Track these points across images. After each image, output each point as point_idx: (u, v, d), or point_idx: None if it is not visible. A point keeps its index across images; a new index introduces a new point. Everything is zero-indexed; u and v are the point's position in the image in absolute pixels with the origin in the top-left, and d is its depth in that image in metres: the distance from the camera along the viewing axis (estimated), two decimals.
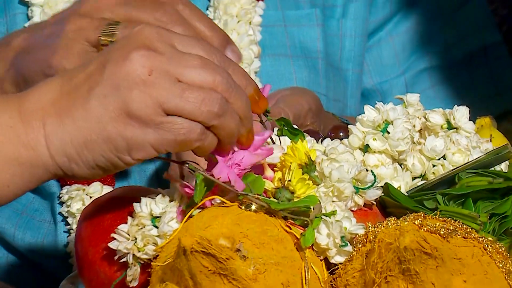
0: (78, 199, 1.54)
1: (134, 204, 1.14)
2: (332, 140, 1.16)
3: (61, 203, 1.57)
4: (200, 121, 1.12)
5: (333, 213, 1.09)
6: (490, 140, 1.21)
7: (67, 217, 1.58)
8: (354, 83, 1.70)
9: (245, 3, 1.58)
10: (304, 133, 1.18)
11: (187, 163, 1.18)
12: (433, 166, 1.16)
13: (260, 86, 1.58)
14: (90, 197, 1.55)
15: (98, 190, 1.55)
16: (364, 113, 1.17)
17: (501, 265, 1.06)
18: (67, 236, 1.59)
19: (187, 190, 1.13)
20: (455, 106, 1.20)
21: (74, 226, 1.57)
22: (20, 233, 1.60)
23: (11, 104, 1.16)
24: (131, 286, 1.14)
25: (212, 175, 1.11)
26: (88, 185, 1.56)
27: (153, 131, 1.10)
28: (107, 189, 1.57)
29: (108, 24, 1.34)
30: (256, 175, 1.13)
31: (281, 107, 1.33)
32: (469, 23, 1.77)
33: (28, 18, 1.58)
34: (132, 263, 1.13)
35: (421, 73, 1.72)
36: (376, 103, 1.20)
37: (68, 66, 1.36)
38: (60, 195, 1.55)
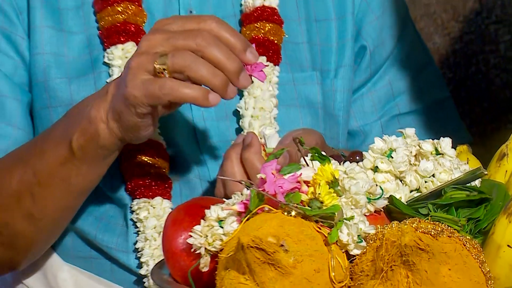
0: (144, 209, 1.64)
1: (206, 210, 1.24)
2: (350, 162, 1.26)
3: (132, 212, 1.66)
4: None
5: (352, 217, 1.18)
6: (467, 163, 1.30)
7: (136, 222, 1.66)
8: (344, 125, 1.80)
9: (267, 70, 1.68)
10: (330, 158, 1.27)
11: (243, 181, 1.27)
12: (425, 182, 1.25)
13: (276, 130, 1.66)
14: (153, 207, 1.66)
15: (159, 202, 1.65)
16: (374, 143, 1.27)
17: (476, 257, 1.15)
18: (136, 237, 1.66)
19: (240, 205, 1.24)
20: (441, 137, 1.29)
21: (142, 229, 1.66)
22: (100, 234, 1.68)
23: None
24: (203, 271, 1.23)
25: (264, 190, 1.21)
26: (152, 198, 1.66)
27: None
28: (166, 202, 1.67)
29: (160, 56, 1.45)
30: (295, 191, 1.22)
31: (298, 137, 1.35)
32: (427, 82, 1.86)
33: (110, 76, 1.68)
34: (204, 254, 1.22)
35: (392, 118, 1.83)
36: (380, 137, 1.29)
37: (137, 94, 1.46)
38: (131, 206, 1.65)
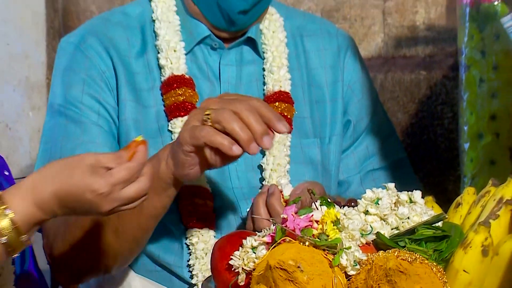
0: (195, 236, 1.64)
1: (243, 240, 1.24)
2: (348, 207, 1.26)
3: (186, 238, 1.66)
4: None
5: (349, 247, 1.18)
6: (432, 209, 1.30)
7: (189, 245, 1.66)
8: (335, 177, 1.79)
9: (283, 138, 1.70)
10: (334, 203, 1.27)
11: (272, 220, 1.30)
12: (402, 222, 1.24)
13: (288, 180, 1.64)
14: (202, 235, 1.65)
15: (206, 232, 1.65)
16: (366, 193, 1.28)
17: (440, 278, 1.14)
18: (189, 256, 1.65)
19: (268, 237, 1.24)
20: (414, 190, 1.29)
21: (193, 251, 1.66)
22: (162, 254, 1.68)
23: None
24: (240, 285, 1.22)
25: (287, 226, 1.21)
26: (201, 229, 1.65)
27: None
28: (211, 232, 1.66)
29: (207, 110, 1.45)
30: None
31: (312, 189, 1.37)
32: (391, 147, 1.85)
33: (172, 140, 1.65)
34: (241, 272, 1.22)
35: (368, 172, 1.82)
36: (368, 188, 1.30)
37: (185, 135, 1.46)
38: (186, 234, 1.65)
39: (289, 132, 1.73)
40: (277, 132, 1.47)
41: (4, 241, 1.22)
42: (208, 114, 1.44)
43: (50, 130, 1.72)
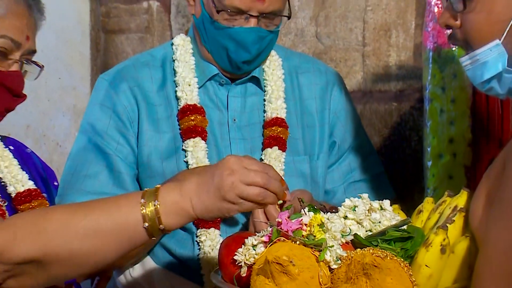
0: (204, 235, 1.61)
1: (245, 239, 1.23)
2: (330, 213, 1.25)
3: (196, 236, 1.64)
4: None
5: (332, 246, 1.17)
6: (399, 215, 1.29)
7: (198, 242, 1.63)
8: (322, 187, 1.77)
9: (278, 156, 1.69)
10: (319, 209, 1.25)
11: (269, 222, 1.30)
12: (375, 226, 1.23)
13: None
14: (209, 234, 1.63)
15: (213, 231, 1.62)
16: (345, 201, 1.26)
17: (407, 272, 1.13)
18: (198, 251, 1.63)
19: (266, 237, 1.22)
20: (384, 199, 1.28)
21: (202, 247, 1.63)
22: (177, 249, 1.66)
23: (177, 190, 1.22)
24: (242, 276, 1.20)
25: (281, 229, 1.20)
26: (208, 229, 1.63)
27: (236, 205, 1.20)
28: (217, 231, 1.63)
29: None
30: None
31: (301, 197, 1.35)
32: (370, 163, 1.83)
33: (185, 157, 1.67)
34: (243, 266, 1.21)
35: (350, 184, 1.79)
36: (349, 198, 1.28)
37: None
38: (196, 233, 1.63)
39: (284, 151, 1.72)
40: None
41: (146, 226, 1.19)
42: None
43: (77, 151, 1.72)
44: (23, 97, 1.42)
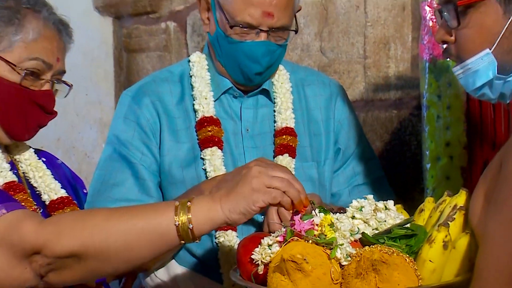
0: (222, 236, 1.61)
1: (261, 239, 1.23)
2: (339, 214, 1.24)
3: (215, 238, 1.62)
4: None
5: (342, 244, 1.17)
6: (402, 214, 1.28)
7: (217, 243, 1.62)
8: (329, 191, 1.75)
9: (288, 162, 1.67)
10: (329, 211, 1.25)
11: (283, 223, 1.28)
12: (381, 225, 1.22)
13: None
14: (227, 235, 1.61)
15: (230, 233, 1.61)
16: (352, 203, 1.26)
17: (412, 267, 1.12)
18: (218, 250, 1.62)
19: (281, 237, 1.22)
20: (388, 200, 1.27)
21: (221, 246, 1.62)
22: (198, 250, 1.65)
23: (208, 197, 1.23)
24: (260, 273, 1.20)
25: (295, 229, 1.20)
26: (226, 231, 1.61)
27: (262, 195, 1.19)
28: (234, 233, 1.62)
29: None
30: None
31: (312, 200, 1.33)
32: (372, 167, 1.81)
33: (203, 165, 1.67)
34: (260, 264, 1.21)
35: (354, 187, 1.77)
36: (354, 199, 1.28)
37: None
38: (215, 235, 1.61)
39: (294, 158, 1.71)
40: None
41: (179, 233, 1.21)
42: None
43: (104, 161, 1.71)
44: (54, 113, 1.43)
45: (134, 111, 1.70)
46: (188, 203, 1.21)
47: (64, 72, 1.43)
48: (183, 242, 1.22)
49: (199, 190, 1.53)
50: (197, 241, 1.23)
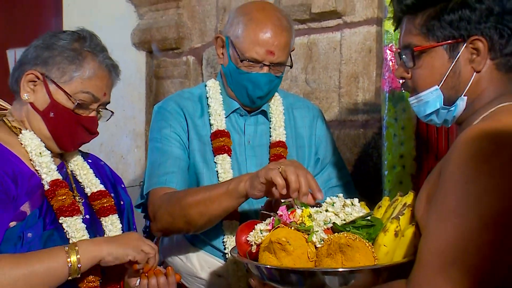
0: (227, 225, 1.58)
1: (255, 225, 1.23)
2: (316, 207, 1.24)
3: (222, 224, 1.61)
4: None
5: (317, 231, 1.17)
6: (364, 209, 1.27)
7: (223, 230, 1.61)
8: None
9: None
10: (308, 205, 1.25)
11: (273, 213, 1.25)
12: (348, 217, 1.22)
13: None
14: (232, 223, 1.60)
15: (233, 221, 1.59)
16: (326, 199, 1.25)
17: (371, 250, 1.12)
18: (223, 235, 1.61)
19: (270, 225, 1.22)
20: (354, 198, 1.27)
21: (225, 232, 1.60)
22: (208, 235, 1.63)
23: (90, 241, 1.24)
24: (253, 252, 1.20)
25: (282, 218, 1.21)
26: (231, 220, 1.59)
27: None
28: (236, 222, 1.59)
29: (282, 164, 1.37)
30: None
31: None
32: (342, 173, 1.77)
33: (216, 166, 1.65)
34: (253, 244, 1.21)
35: (329, 188, 1.72)
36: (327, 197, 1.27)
37: (264, 175, 1.36)
38: (222, 223, 1.58)
39: None
40: (315, 197, 1.35)
41: (68, 268, 1.20)
42: (281, 167, 1.36)
43: (151, 151, 1.69)
44: (96, 134, 1.41)
45: (167, 116, 1.69)
46: (76, 248, 1.20)
47: (108, 103, 1.40)
48: (70, 278, 1.21)
49: (239, 178, 1.49)
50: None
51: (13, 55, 3.00)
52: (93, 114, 1.37)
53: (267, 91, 1.65)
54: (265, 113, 1.75)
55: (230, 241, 1.61)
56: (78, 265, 1.19)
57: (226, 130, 1.68)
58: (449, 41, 1.11)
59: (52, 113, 1.32)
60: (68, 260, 1.18)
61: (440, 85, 1.15)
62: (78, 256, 1.19)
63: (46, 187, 1.31)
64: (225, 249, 1.63)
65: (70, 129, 1.34)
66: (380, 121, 2.05)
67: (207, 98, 1.72)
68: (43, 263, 1.17)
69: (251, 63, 1.58)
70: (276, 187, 1.34)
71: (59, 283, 1.20)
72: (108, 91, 1.39)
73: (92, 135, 1.40)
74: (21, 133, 1.34)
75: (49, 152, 1.36)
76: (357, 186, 1.85)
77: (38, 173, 1.33)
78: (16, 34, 3.12)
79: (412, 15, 1.14)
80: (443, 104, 1.17)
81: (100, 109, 1.40)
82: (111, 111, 1.43)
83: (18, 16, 3.01)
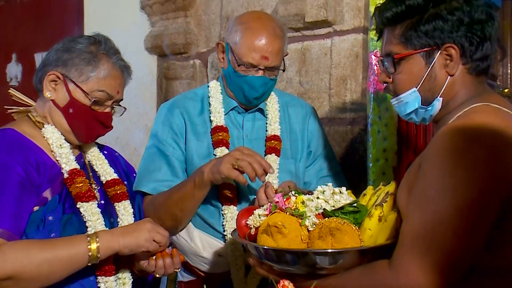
0: (227, 209, 1.57)
1: (254, 210, 1.22)
2: (308, 195, 1.23)
3: (222, 209, 1.59)
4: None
5: (309, 216, 1.16)
6: (351, 197, 1.26)
7: (223, 214, 1.59)
8: (302, 180, 1.72)
9: (274, 159, 1.64)
10: (302, 192, 1.24)
11: (269, 200, 1.27)
12: (336, 203, 1.21)
13: (277, 181, 1.55)
14: (230, 208, 1.57)
15: (231, 206, 1.57)
16: (317, 188, 1.24)
17: (357, 233, 1.12)
18: (223, 218, 1.57)
19: (267, 210, 1.21)
20: (342, 187, 1.26)
21: (225, 216, 1.57)
22: (209, 218, 1.60)
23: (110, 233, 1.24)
24: (252, 234, 1.19)
25: (277, 204, 1.20)
26: (229, 205, 1.58)
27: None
28: (233, 207, 1.58)
29: (235, 159, 1.42)
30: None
31: (290, 185, 1.38)
32: (332, 164, 1.75)
33: (215, 157, 1.61)
34: (252, 227, 1.20)
35: (320, 178, 1.72)
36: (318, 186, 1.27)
37: (225, 172, 1.43)
38: (222, 208, 1.58)
39: (278, 156, 1.68)
40: (269, 173, 1.45)
41: (89, 255, 1.20)
42: (235, 163, 1.42)
43: (148, 153, 1.68)
44: (111, 127, 1.41)
45: (168, 118, 1.68)
46: (96, 238, 1.21)
47: (121, 100, 1.40)
48: (88, 263, 1.21)
49: (200, 170, 1.52)
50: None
51: (40, 58, 3.02)
52: (107, 110, 1.37)
53: (262, 92, 1.64)
54: (261, 110, 1.73)
55: (228, 225, 1.59)
56: (98, 255, 1.20)
57: (224, 126, 1.66)
58: (425, 49, 1.12)
59: (71, 109, 1.32)
60: (89, 247, 1.19)
61: (418, 88, 1.16)
62: (98, 245, 1.19)
63: (65, 175, 1.33)
64: (224, 231, 1.62)
65: (87, 123, 1.35)
66: (365, 119, 2.03)
67: (209, 97, 1.71)
68: (66, 249, 1.18)
69: (248, 67, 1.58)
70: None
71: (78, 268, 1.20)
72: (121, 89, 1.38)
73: (107, 128, 1.40)
74: (43, 127, 1.35)
75: (69, 144, 1.36)
76: (344, 177, 1.84)
77: (59, 163, 1.34)
78: (43, 40, 3.17)
79: (392, 26, 1.14)
80: (421, 104, 1.17)
81: (114, 106, 1.40)
82: (124, 107, 1.42)
83: (45, 24, 3.06)
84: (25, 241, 1.20)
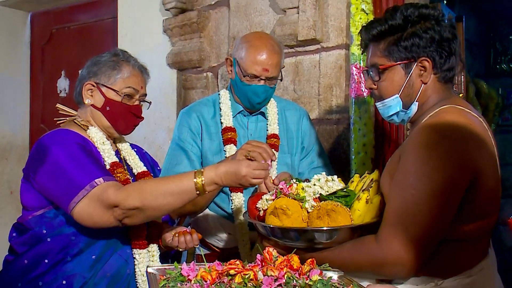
0: (235, 196, 1.52)
1: (262, 196, 1.19)
2: (306, 183, 1.20)
3: (230, 195, 1.55)
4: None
5: (308, 200, 1.13)
6: (340, 183, 1.23)
7: (231, 200, 1.56)
8: (297, 171, 1.68)
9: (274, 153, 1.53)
10: (301, 180, 1.22)
11: (275, 187, 1.20)
12: (330, 189, 1.18)
13: (274, 172, 1.50)
14: (237, 195, 1.53)
15: (239, 194, 1.53)
16: (314, 176, 1.22)
17: (349, 213, 1.09)
18: (231, 204, 1.55)
19: (273, 195, 1.17)
20: (334, 175, 1.24)
21: (233, 201, 1.53)
22: (222, 203, 1.56)
23: (213, 170, 1.18)
24: (261, 215, 1.16)
25: (282, 190, 1.16)
26: (236, 192, 1.54)
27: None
28: (240, 194, 1.53)
29: (247, 150, 1.35)
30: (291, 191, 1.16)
31: (288, 175, 1.35)
32: (322, 158, 1.72)
33: (225, 155, 1.57)
34: (261, 209, 1.17)
35: (312, 169, 1.68)
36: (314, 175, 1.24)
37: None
38: (230, 195, 1.52)
39: (277, 151, 1.66)
40: (272, 160, 1.34)
41: (197, 192, 1.17)
42: (248, 153, 1.34)
43: (171, 150, 1.65)
44: (142, 118, 1.42)
45: (187, 121, 1.65)
46: (202, 176, 1.18)
47: (145, 95, 1.40)
48: (198, 193, 1.17)
49: (218, 165, 1.42)
50: (207, 193, 1.18)
51: None
52: (136, 103, 1.38)
53: (264, 98, 1.62)
54: (263, 114, 1.71)
55: (236, 208, 1.57)
56: (204, 188, 1.16)
57: (233, 127, 1.64)
58: (405, 61, 1.11)
59: (108, 107, 1.34)
60: (195, 181, 1.16)
61: (399, 94, 1.15)
62: (202, 178, 1.16)
63: (108, 167, 1.33)
64: (233, 213, 1.60)
65: (122, 116, 1.35)
66: (348, 119, 2.02)
67: (220, 103, 1.68)
68: (176, 184, 1.16)
69: (252, 77, 1.56)
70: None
71: (189, 199, 1.17)
72: (143, 85, 1.38)
73: (139, 119, 1.38)
74: (88, 128, 1.36)
75: (109, 142, 1.38)
76: (332, 168, 1.82)
77: (102, 157, 1.34)
78: (86, 58, 3.19)
79: (377, 42, 1.14)
80: (402, 108, 1.17)
81: (141, 100, 1.38)
82: (149, 102, 1.41)
83: (87, 45, 3.12)
84: (144, 180, 1.26)
